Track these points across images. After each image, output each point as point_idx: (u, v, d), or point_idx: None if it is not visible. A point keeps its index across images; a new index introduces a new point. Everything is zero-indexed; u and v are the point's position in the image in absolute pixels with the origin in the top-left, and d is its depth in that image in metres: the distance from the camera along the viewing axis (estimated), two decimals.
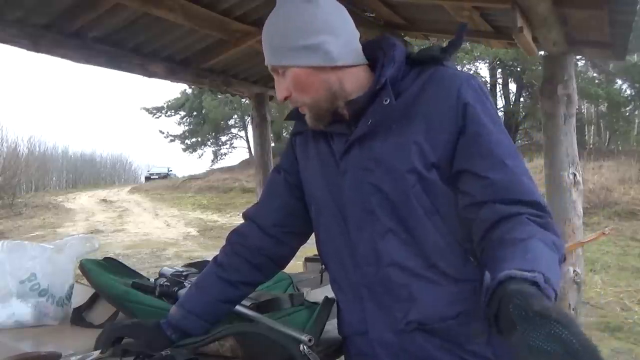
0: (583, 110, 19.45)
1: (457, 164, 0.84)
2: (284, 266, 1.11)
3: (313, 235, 1.06)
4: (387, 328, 0.90)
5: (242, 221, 1.11)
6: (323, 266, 1.12)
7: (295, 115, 0.99)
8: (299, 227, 1.06)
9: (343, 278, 0.97)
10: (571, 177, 2.47)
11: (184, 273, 1.28)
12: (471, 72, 20.68)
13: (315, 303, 1.17)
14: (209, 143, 29.34)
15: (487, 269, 0.68)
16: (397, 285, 0.88)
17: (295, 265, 2.51)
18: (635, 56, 15.83)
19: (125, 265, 1.46)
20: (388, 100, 0.85)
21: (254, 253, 1.04)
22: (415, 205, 0.85)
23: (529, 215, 0.76)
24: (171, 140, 28.93)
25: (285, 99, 0.93)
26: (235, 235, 1.07)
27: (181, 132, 28.56)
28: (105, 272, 1.30)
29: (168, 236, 10.17)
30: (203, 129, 27.54)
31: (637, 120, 20.51)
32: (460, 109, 0.83)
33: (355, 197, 0.90)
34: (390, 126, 0.87)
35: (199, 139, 28.44)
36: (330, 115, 0.92)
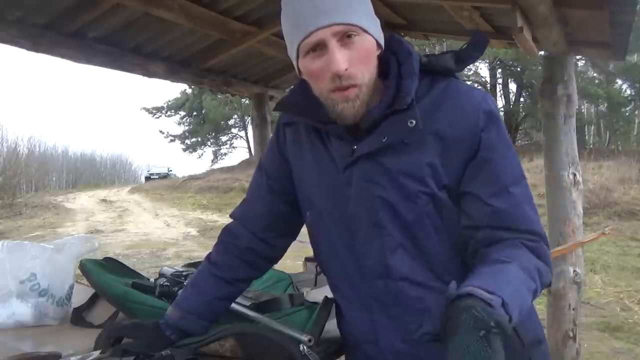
0: (583, 110, 19.47)
1: (463, 185, 0.84)
2: (276, 262, 1.11)
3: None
4: (399, 338, 0.90)
5: None
6: (317, 268, 1.11)
7: (285, 104, 0.95)
8: (288, 229, 1.06)
9: (348, 288, 0.95)
10: (571, 177, 2.47)
11: (184, 273, 1.28)
12: (471, 72, 20.72)
13: (315, 303, 1.17)
14: (209, 143, 29.40)
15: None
16: (411, 298, 0.87)
17: (295, 266, 2.51)
18: (635, 56, 15.84)
19: (125, 266, 1.46)
20: (414, 123, 0.80)
21: (246, 252, 1.04)
22: (427, 224, 0.84)
23: (523, 239, 0.80)
24: (171, 140, 29.01)
25: (338, 74, 0.79)
26: (227, 234, 1.07)
27: (181, 132, 28.67)
28: (105, 272, 1.30)
29: (168, 236, 10.16)
30: (203, 129, 27.57)
31: (637, 120, 20.53)
32: (477, 134, 0.82)
33: (363, 210, 0.87)
34: (403, 142, 0.83)
35: (199, 139, 28.48)
36: (367, 108, 0.83)
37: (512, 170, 0.83)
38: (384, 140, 0.83)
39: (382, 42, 0.86)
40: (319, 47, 0.80)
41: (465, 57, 0.87)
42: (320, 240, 0.98)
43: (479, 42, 0.87)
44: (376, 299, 0.90)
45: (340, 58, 0.78)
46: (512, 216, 0.81)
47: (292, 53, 0.86)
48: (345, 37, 0.79)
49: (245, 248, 1.04)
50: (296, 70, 0.88)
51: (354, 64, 0.79)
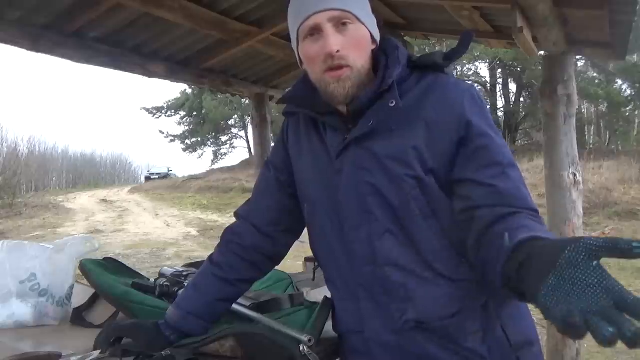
0: (583, 110, 19.46)
1: (459, 172, 0.85)
2: (279, 262, 1.12)
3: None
4: (384, 327, 0.90)
5: None
6: (316, 263, 1.12)
7: (286, 98, 1.00)
8: (293, 224, 1.07)
9: (338, 276, 0.97)
10: (571, 177, 2.46)
11: (184, 273, 1.28)
12: (471, 72, 20.73)
13: (315, 303, 1.17)
14: (209, 143, 29.39)
15: (496, 247, 0.71)
16: (395, 285, 0.88)
17: (295, 265, 2.51)
18: (635, 56, 15.82)
19: (125, 266, 1.46)
20: (394, 103, 0.85)
21: (249, 251, 1.04)
22: (413, 208, 0.86)
23: (526, 215, 0.79)
24: (171, 140, 29.00)
25: (331, 55, 0.84)
26: (230, 234, 1.07)
27: (181, 132, 28.65)
28: (106, 272, 1.30)
29: (168, 236, 10.16)
30: (203, 129, 27.56)
31: (637, 120, 20.52)
32: (463, 121, 0.85)
33: (352, 196, 0.90)
34: (390, 127, 0.87)
35: (199, 139, 28.47)
36: (357, 91, 0.88)
37: (505, 154, 0.85)
38: (370, 125, 0.87)
39: (377, 37, 0.93)
40: (316, 32, 0.87)
41: (451, 54, 0.92)
42: (314, 231, 1.00)
43: (465, 39, 0.93)
44: (363, 287, 0.92)
45: (333, 40, 0.85)
46: (512, 195, 0.81)
47: (294, 41, 0.93)
48: (340, 24, 0.86)
49: (249, 246, 1.04)
50: (297, 60, 0.95)
51: (347, 48, 0.85)
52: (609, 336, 0.45)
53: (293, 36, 0.93)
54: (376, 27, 0.93)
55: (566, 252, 0.53)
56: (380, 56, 0.92)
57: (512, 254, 0.66)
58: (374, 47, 0.92)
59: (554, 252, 0.55)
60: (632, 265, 5.82)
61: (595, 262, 0.52)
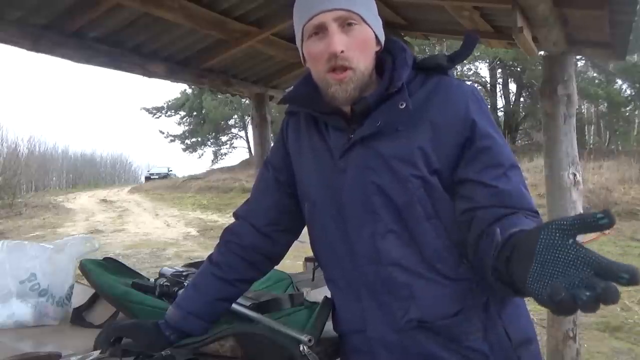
0: (583, 110, 19.47)
1: (462, 172, 0.86)
2: (278, 262, 1.12)
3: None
4: (386, 326, 0.91)
5: None
6: (315, 263, 1.12)
7: (288, 98, 1.00)
8: (292, 224, 1.07)
9: (340, 276, 0.97)
10: (571, 177, 2.47)
11: (184, 273, 1.28)
12: (471, 72, 20.73)
13: (315, 303, 1.17)
14: (209, 143, 29.40)
15: (490, 244, 0.73)
16: (398, 284, 0.88)
17: (295, 265, 2.51)
18: (635, 56, 15.81)
19: (125, 266, 1.46)
20: (404, 105, 0.85)
21: (249, 251, 1.04)
22: (418, 209, 0.86)
23: (527, 215, 0.80)
24: (171, 140, 29.01)
25: (334, 55, 0.84)
26: (230, 234, 1.07)
27: (181, 132, 28.66)
28: (106, 272, 1.30)
29: (168, 236, 10.16)
30: (203, 129, 27.57)
31: (637, 120, 20.53)
32: (467, 123, 0.86)
33: (356, 196, 0.90)
34: (396, 128, 0.87)
35: (199, 139, 28.48)
36: (359, 94, 0.88)
37: (507, 155, 0.87)
38: (377, 125, 0.87)
39: (382, 39, 0.93)
40: (321, 31, 0.87)
41: (455, 56, 0.92)
42: (316, 231, 1.00)
43: (469, 42, 0.93)
44: (366, 286, 0.92)
45: (338, 40, 0.84)
46: (513, 196, 0.82)
47: (298, 39, 0.93)
48: (346, 24, 0.86)
49: (248, 246, 1.04)
50: (301, 57, 0.95)
51: (351, 48, 0.85)
52: (586, 300, 0.48)
53: (298, 34, 0.93)
54: (382, 28, 0.93)
55: (541, 237, 0.56)
56: (386, 57, 0.92)
57: (502, 249, 0.68)
58: (378, 48, 0.92)
59: (531, 241, 0.58)
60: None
61: (570, 240, 0.54)
